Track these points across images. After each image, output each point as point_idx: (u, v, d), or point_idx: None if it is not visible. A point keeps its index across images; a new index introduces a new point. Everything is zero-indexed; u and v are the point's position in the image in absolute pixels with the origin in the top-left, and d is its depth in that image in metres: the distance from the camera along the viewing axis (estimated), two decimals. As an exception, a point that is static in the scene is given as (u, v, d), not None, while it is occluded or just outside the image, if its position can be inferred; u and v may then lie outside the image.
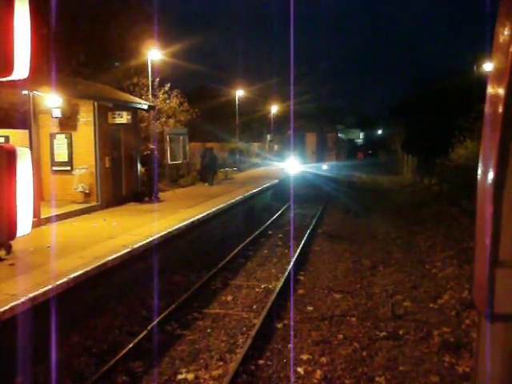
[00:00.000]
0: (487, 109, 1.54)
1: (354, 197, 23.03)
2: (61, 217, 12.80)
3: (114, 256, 8.82)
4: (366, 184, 31.06)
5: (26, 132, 12.41)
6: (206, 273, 10.73)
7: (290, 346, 7.16)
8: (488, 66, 24.14)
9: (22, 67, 1.68)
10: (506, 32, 1.41)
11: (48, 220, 12.20)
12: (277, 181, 23.52)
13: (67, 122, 14.86)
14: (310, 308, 8.83)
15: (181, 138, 25.93)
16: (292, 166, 25.49)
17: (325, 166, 26.39)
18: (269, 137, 44.26)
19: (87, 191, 14.79)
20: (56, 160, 15.05)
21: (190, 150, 28.22)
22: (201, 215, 13.32)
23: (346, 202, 21.69)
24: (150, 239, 10.26)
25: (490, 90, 1.52)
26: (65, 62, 20.44)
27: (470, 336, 7.22)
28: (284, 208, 20.21)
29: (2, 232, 1.65)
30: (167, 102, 25.61)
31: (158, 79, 24.97)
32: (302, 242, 13.70)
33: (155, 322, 7.72)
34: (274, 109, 44.28)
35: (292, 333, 7.62)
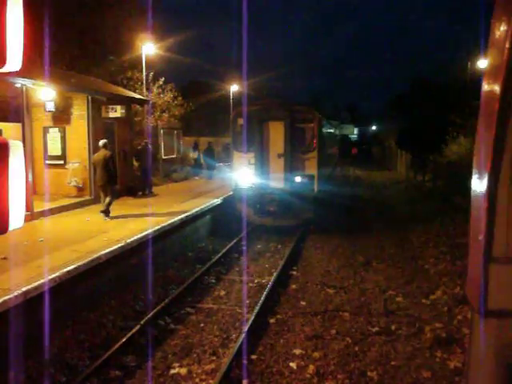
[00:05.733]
0: (482, 105, 1.52)
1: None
2: (54, 211, 12.74)
3: (108, 250, 8.81)
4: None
5: (18, 125, 12.31)
6: (200, 267, 10.76)
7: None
8: (483, 63, 24.18)
9: (14, 60, 1.66)
10: (502, 28, 1.39)
11: (41, 214, 12.14)
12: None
13: (61, 116, 14.76)
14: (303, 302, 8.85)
15: (175, 132, 25.88)
16: (244, 178, 15.37)
17: (299, 178, 15.37)
18: None
19: (80, 185, 14.73)
20: (49, 154, 14.95)
21: (183, 144, 28.18)
22: (194, 210, 13.32)
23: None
24: (144, 233, 10.24)
25: (485, 86, 1.50)
26: (58, 56, 20.31)
27: (462, 331, 7.26)
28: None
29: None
30: (161, 96, 25.52)
31: (152, 73, 24.88)
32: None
33: (149, 316, 7.71)
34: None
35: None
